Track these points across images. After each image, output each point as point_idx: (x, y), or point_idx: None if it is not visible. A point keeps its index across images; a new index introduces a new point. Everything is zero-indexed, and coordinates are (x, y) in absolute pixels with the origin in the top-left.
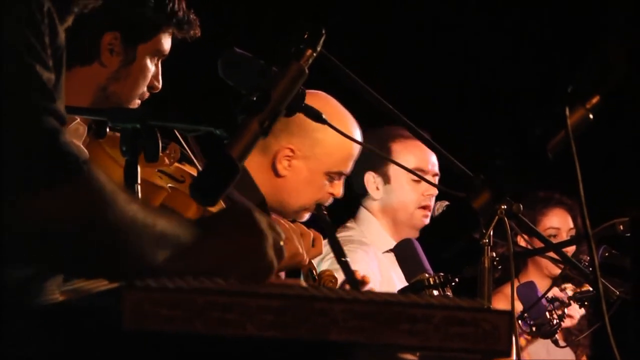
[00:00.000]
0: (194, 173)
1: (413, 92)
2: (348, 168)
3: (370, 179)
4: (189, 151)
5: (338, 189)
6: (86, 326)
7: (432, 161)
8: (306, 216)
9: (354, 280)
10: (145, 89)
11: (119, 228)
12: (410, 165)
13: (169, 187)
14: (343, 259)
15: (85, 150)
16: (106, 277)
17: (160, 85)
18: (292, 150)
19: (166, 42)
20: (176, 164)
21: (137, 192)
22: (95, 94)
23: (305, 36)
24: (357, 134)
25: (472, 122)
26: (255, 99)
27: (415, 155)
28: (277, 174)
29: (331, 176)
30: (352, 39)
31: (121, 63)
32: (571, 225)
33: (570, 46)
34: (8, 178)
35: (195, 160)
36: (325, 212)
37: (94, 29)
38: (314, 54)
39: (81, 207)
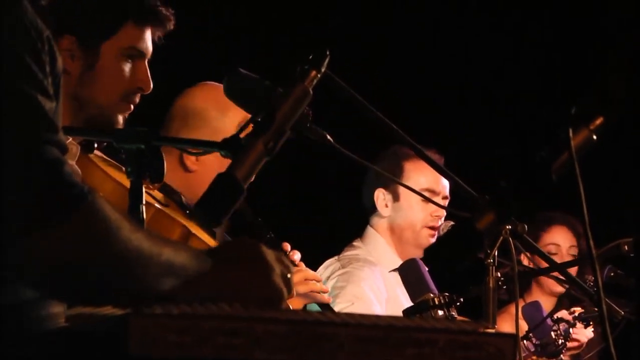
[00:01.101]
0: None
1: (418, 109)
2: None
3: (380, 196)
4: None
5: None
6: (92, 352)
7: (443, 183)
8: None
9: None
10: (124, 90)
11: (125, 258)
12: (421, 186)
13: (156, 206)
14: (269, 236)
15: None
16: (113, 305)
17: (148, 87)
18: None
19: (135, 38)
20: (157, 191)
21: (142, 213)
22: (69, 104)
23: (310, 57)
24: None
25: (478, 143)
26: (259, 119)
27: (427, 176)
28: (186, 169)
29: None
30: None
31: (83, 67)
32: (573, 242)
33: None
34: (13, 215)
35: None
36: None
37: None
38: (319, 75)
39: (89, 239)
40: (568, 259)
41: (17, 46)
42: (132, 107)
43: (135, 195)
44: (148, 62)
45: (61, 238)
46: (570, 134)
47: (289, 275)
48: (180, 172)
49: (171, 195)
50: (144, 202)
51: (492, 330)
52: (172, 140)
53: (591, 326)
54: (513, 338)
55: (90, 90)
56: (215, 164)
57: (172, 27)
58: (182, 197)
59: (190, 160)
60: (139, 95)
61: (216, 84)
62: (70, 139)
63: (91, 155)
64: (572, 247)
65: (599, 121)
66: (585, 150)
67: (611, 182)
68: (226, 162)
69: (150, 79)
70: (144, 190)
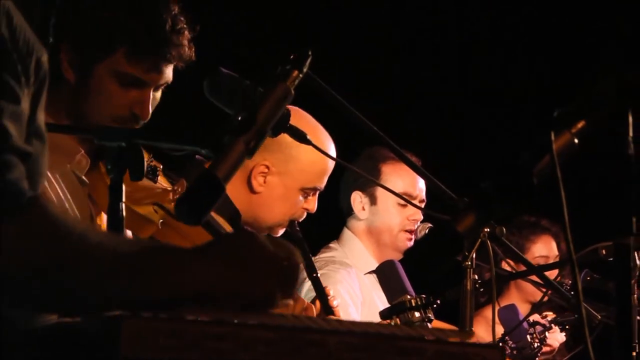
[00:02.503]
0: None
1: (396, 111)
2: (323, 183)
3: (357, 199)
4: None
5: (312, 204)
6: (82, 350)
7: (420, 187)
8: (280, 232)
9: (324, 297)
10: (115, 114)
11: (77, 264)
12: (398, 189)
13: (160, 222)
14: (314, 275)
15: (80, 183)
16: (79, 313)
17: (143, 116)
18: (267, 167)
19: (133, 65)
20: None
21: (122, 210)
22: (68, 114)
23: (292, 57)
24: (332, 149)
25: (457, 145)
26: (240, 119)
27: (404, 180)
28: (252, 190)
29: (306, 192)
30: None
31: (78, 78)
32: (557, 252)
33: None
34: None
35: None
36: (297, 229)
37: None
38: (300, 75)
39: (29, 244)
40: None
41: None
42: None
43: (114, 193)
44: (164, 89)
45: None
46: (552, 137)
47: (290, 274)
48: (245, 190)
49: (226, 211)
50: (123, 199)
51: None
52: (153, 139)
53: (564, 332)
54: (500, 350)
55: (83, 104)
56: (280, 188)
57: (186, 57)
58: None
59: (257, 181)
60: (136, 121)
61: (299, 110)
62: (82, 152)
63: (103, 168)
64: (557, 256)
65: (581, 125)
66: (567, 154)
67: (588, 187)
68: (290, 190)
69: (148, 108)
70: (149, 203)
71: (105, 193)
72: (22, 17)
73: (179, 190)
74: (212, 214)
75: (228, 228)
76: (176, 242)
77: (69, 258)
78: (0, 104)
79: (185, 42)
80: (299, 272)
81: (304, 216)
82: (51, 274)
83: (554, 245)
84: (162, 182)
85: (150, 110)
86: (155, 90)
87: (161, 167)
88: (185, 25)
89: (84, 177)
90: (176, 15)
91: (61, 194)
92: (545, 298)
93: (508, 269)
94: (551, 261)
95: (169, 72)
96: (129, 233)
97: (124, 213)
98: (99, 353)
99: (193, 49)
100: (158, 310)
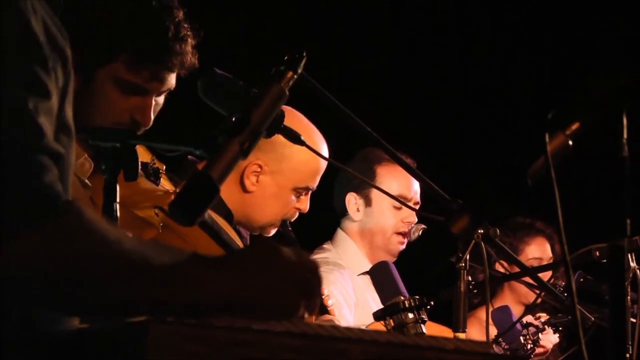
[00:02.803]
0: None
1: (391, 112)
2: (315, 183)
3: (352, 200)
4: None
5: (305, 204)
6: (107, 355)
7: (414, 189)
8: (272, 232)
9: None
10: (115, 118)
11: (110, 267)
12: (393, 191)
13: (161, 225)
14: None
15: (83, 186)
16: (107, 318)
17: (145, 122)
18: (260, 166)
19: (133, 73)
20: None
21: (116, 211)
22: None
23: (286, 58)
24: (325, 149)
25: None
26: (235, 120)
27: (399, 181)
28: (244, 189)
29: (298, 191)
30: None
31: (81, 81)
32: (550, 254)
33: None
34: None
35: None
36: (290, 229)
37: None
38: (295, 76)
39: (64, 248)
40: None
41: (17, 47)
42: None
43: (109, 193)
44: (167, 95)
45: (33, 246)
46: (547, 139)
47: (314, 285)
48: (237, 189)
49: (219, 210)
50: (117, 200)
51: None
52: (147, 140)
53: (557, 334)
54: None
55: (84, 107)
56: (273, 187)
57: (189, 65)
58: (233, 215)
59: (249, 181)
60: (138, 128)
61: (292, 109)
62: (85, 155)
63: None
64: (550, 258)
65: (575, 127)
66: (561, 156)
67: (583, 189)
68: (282, 190)
69: (150, 115)
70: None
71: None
72: (49, 11)
73: None
74: (213, 215)
75: (228, 229)
76: (177, 245)
77: (103, 263)
78: (35, 101)
79: (189, 50)
80: (321, 282)
81: (296, 216)
82: (85, 278)
83: (547, 247)
84: (165, 184)
85: (152, 117)
86: (158, 96)
87: (164, 168)
88: (189, 33)
89: (87, 181)
90: (180, 22)
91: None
92: (539, 300)
93: (502, 270)
94: (545, 263)
95: (171, 80)
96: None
97: (119, 213)
98: (125, 358)
99: (196, 56)
100: (184, 317)
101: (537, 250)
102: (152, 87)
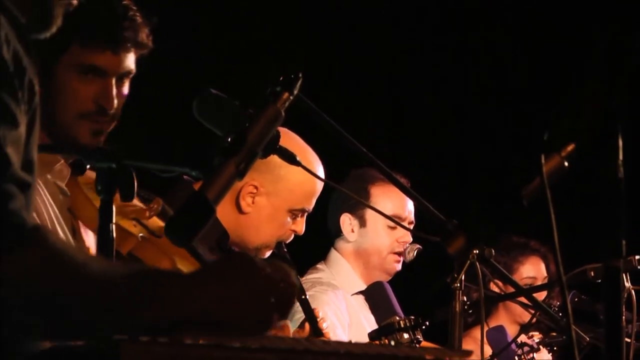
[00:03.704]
0: None
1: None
2: (311, 205)
3: (347, 221)
4: (170, 211)
5: (300, 226)
6: None
7: (409, 208)
8: (267, 253)
9: (313, 319)
10: (80, 109)
11: (78, 291)
12: (387, 211)
13: (140, 236)
14: (303, 297)
15: (62, 194)
16: (79, 339)
17: (109, 105)
18: (255, 187)
19: (90, 56)
20: (155, 218)
21: (112, 232)
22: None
23: (282, 79)
24: (321, 171)
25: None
26: (230, 140)
27: (393, 201)
28: (240, 210)
29: (294, 213)
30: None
31: (41, 87)
32: (545, 274)
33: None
34: None
35: None
36: (285, 250)
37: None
38: (291, 97)
39: (32, 276)
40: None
41: None
42: (98, 125)
43: (104, 214)
44: (131, 79)
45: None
46: (542, 160)
47: (286, 296)
48: (232, 210)
49: (212, 231)
50: (113, 220)
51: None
52: (142, 160)
53: (551, 354)
54: None
55: (49, 110)
56: (268, 209)
57: (141, 42)
58: (229, 236)
59: (245, 202)
60: (104, 114)
61: (288, 131)
62: (62, 161)
63: (80, 179)
64: (545, 277)
65: (570, 148)
66: (557, 177)
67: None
68: (278, 211)
69: (113, 97)
70: (129, 217)
71: (85, 206)
72: (16, 38)
73: (155, 207)
74: None
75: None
76: (155, 256)
77: (72, 288)
78: (3, 130)
79: (138, 27)
80: (295, 293)
81: (292, 238)
82: (55, 303)
83: (542, 266)
84: (136, 201)
85: (116, 102)
86: (119, 81)
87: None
88: (137, 13)
89: (65, 188)
90: (127, 3)
91: (48, 205)
92: (534, 320)
93: (496, 290)
94: (539, 282)
95: (128, 60)
96: None
97: (114, 233)
98: None
99: (149, 37)
100: (157, 334)
101: (532, 270)
102: (108, 66)
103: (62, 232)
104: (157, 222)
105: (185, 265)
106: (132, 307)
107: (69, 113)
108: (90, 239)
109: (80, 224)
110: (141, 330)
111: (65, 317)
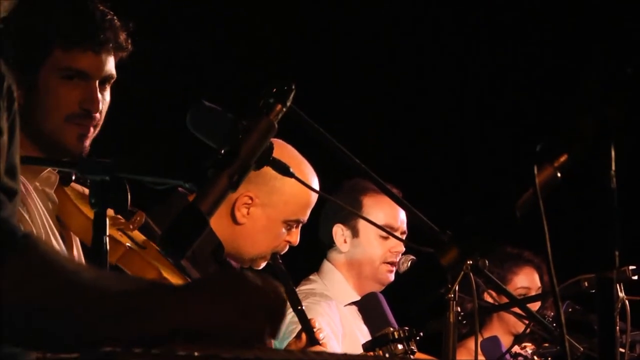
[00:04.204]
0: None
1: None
2: (306, 216)
3: (339, 232)
4: (153, 224)
5: (295, 237)
6: None
7: (401, 218)
8: (262, 264)
9: (310, 329)
10: (65, 113)
11: (69, 301)
12: (379, 221)
13: (128, 245)
14: (299, 308)
15: (50, 201)
16: (71, 351)
17: (93, 107)
18: (250, 198)
19: (72, 59)
20: (137, 231)
21: (106, 244)
22: (23, 135)
23: (275, 90)
24: (316, 182)
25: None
26: (224, 153)
27: (385, 212)
28: (235, 221)
29: (289, 224)
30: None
31: (26, 94)
32: (539, 284)
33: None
34: None
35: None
36: (280, 261)
37: None
38: (284, 109)
39: (22, 285)
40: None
41: None
42: (84, 129)
43: (98, 226)
44: (112, 84)
45: None
46: (535, 171)
47: (277, 310)
48: (228, 221)
49: (207, 242)
50: (107, 233)
51: None
52: (136, 173)
53: None
54: None
55: (35, 116)
56: (263, 220)
57: (121, 44)
58: (224, 247)
59: (240, 213)
60: (89, 117)
61: (282, 142)
62: (49, 168)
63: (67, 188)
64: (539, 288)
65: (563, 159)
66: (549, 188)
67: (571, 220)
68: (273, 222)
69: (97, 99)
70: (114, 228)
71: (74, 215)
72: None
73: (138, 219)
74: None
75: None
76: (142, 266)
77: (61, 297)
78: None
79: (116, 29)
80: (285, 307)
81: (287, 249)
82: (47, 313)
83: (536, 277)
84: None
85: (101, 107)
86: (102, 85)
87: None
88: (113, 16)
89: (54, 195)
90: (101, 7)
91: (41, 212)
92: (528, 330)
93: (490, 300)
94: (533, 292)
95: (109, 63)
96: None
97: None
98: None
99: (128, 40)
100: (149, 347)
101: (526, 280)
102: (92, 70)
103: (54, 240)
104: (140, 235)
105: (170, 276)
106: (121, 320)
107: (54, 118)
108: (79, 248)
109: (70, 233)
110: (131, 344)
111: (54, 327)
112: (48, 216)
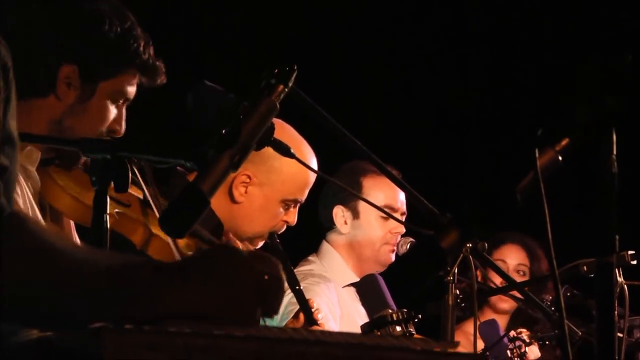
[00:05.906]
0: (140, 196)
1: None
2: (303, 196)
3: (339, 213)
4: (138, 175)
5: (292, 217)
6: None
7: (401, 199)
8: (260, 243)
9: (308, 309)
10: (103, 129)
11: (61, 281)
12: (379, 202)
13: (116, 212)
14: (297, 288)
15: (29, 178)
16: (62, 328)
17: (122, 130)
18: (248, 177)
19: (129, 85)
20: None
21: (106, 222)
22: (49, 127)
23: (276, 71)
24: (314, 163)
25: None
26: (225, 133)
27: (385, 192)
28: (233, 200)
29: (287, 204)
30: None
31: (78, 98)
32: (523, 261)
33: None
34: None
35: (142, 184)
36: (278, 241)
37: (51, 60)
38: (286, 90)
39: (11, 263)
40: (514, 276)
41: None
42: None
43: (99, 204)
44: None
45: None
46: (537, 154)
47: (272, 288)
48: (226, 200)
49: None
50: (107, 211)
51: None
52: (137, 151)
53: (536, 345)
54: (481, 357)
55: (77, 121)
56: (261, 199)
57: (163, 82)
58: (222, 224)
59: (238, 192)
60: (113, 135)
61: (282, 122)
62: (32, 144)
63: (49, 168)
64: (521, 265)
65: (565, 142)
66: (550, 171)
67: (571, 203)
68: (270, 202)
69: (124, 124)
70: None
71: (59, 195)
72: None
73: None
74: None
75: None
76: (131, 228)
77: (52, 275)
78: None
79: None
80: (282, 285)
81: (284, 228)
82: (36, 291)
83: (519, 253)
84: None
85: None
86: (124, 104)
87: None
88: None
89: (34, 172)
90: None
91: (24, 188)
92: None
93: (481, 280)
94: (510, 268)
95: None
96: None
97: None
98: None
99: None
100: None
101: (505, 253)
102: (127, 93)
103: (41, 216)
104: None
105: (159, 230)
106: (111, 299)
107: (93, 131)
108: (70, 226)
109: (58, 214)
110: (124, 321)
111: (43, 305)
112: (28, 191)
